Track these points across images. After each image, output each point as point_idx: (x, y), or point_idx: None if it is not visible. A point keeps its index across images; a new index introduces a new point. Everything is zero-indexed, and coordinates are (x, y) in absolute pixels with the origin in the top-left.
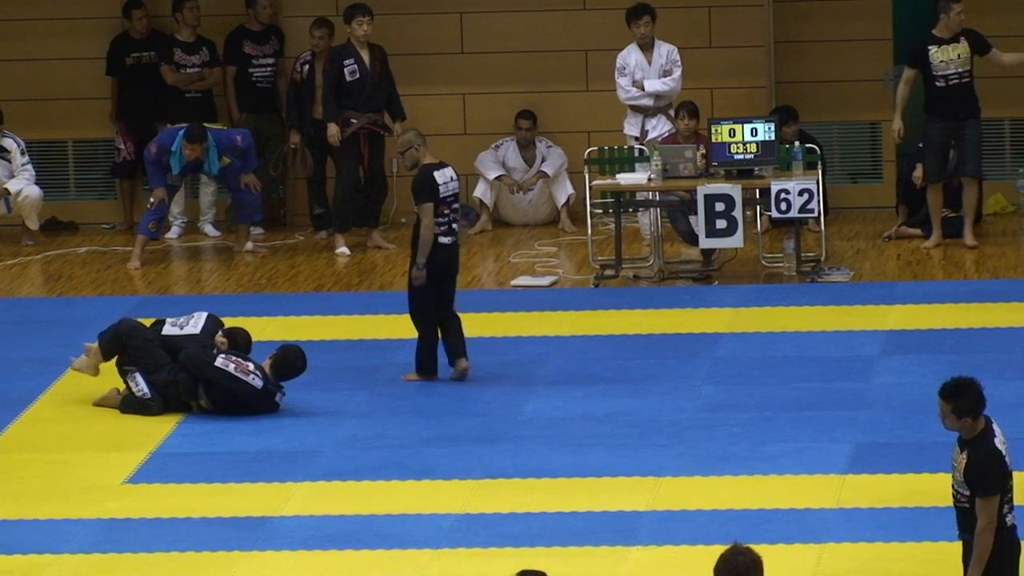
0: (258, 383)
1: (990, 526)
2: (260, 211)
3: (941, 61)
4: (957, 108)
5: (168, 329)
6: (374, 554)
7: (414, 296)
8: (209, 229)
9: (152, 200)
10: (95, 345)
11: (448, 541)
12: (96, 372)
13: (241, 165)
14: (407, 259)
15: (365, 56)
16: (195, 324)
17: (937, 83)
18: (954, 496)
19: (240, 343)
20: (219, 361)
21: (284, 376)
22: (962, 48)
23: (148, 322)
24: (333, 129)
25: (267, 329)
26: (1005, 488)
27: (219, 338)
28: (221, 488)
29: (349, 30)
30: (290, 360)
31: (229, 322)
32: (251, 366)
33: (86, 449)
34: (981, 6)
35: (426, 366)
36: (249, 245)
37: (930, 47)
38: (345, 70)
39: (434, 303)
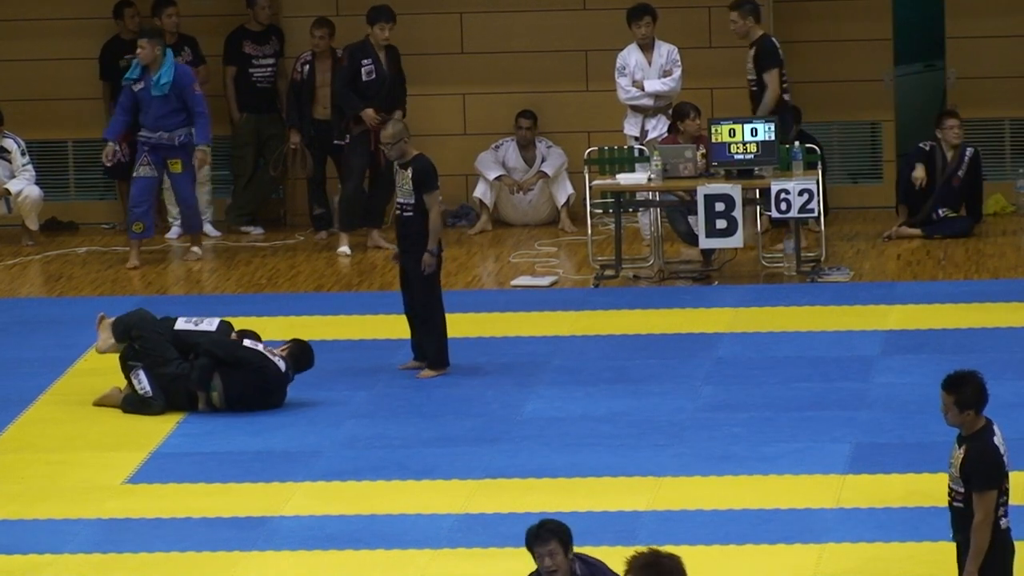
0: (282, 365)
1: (986, 520)
2: (198, 223)
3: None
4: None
5: (182, 324)
6: (374, 554)
7: (433, 285)
8: (208, 229)
9: (105, 156)
10: (108, 321)
11: (448, 541)
12: (118, 347)
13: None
14: (406, 259)
15: (382, 57)
16: (210, 323)
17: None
18: (949, 495)
19: None
20: (247, 342)
21: (300, 365)
22: (751, 57)
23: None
24: (370, 113)
25: (267, 329)
26: (1001, 486)
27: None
28: (221, 488)
29: (370, 32)
30: (306, 351)
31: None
32: (275, 350)
33: (86, 449)
34: (981, 6)
35: (445, 359)
36: (195, 251)
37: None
38: (362, 69)
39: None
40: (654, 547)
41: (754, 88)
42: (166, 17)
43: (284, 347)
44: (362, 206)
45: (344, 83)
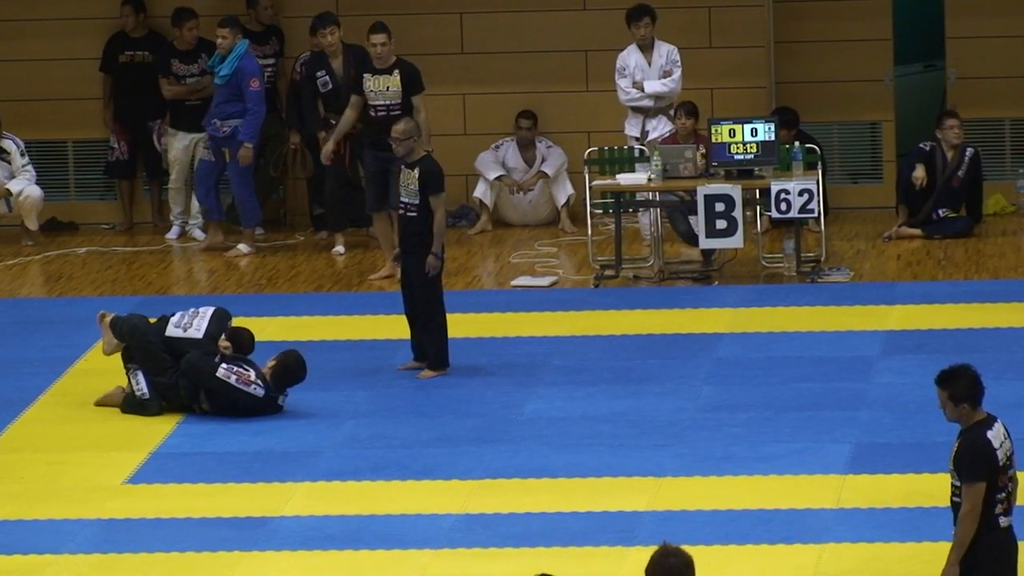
0: (259, 392)
1: (972, 512)
2: (249, 217)
3: (371, 91)
4: (387, 140)
5: (172, 331)
6: (374, 554)
7: (434, 287)
8: (197, 233)
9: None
10: (109, 319)
11: (448, 541)
12: (121, 346)
13: (244, 129)
14: (407, 260)
15: (336, 64)
16: (198, 326)
17: (370, 112)
18: (951, 491)
19: (244, 345)
20: (220, 372)
21: (284, 383)
22: (393, 81)
23: (152, 320)
24: (327, 151)
25: (267, 329)
26: (993, 480)
27: (222, 342)
28: (221, 488)
29: (314, 43)
30: (291, 369)
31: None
32: (252, 375)
33: (86, 449)
34: (981, 6)
35: (445, 359)
36: (243, 248)
37: (365, 75)
38: (317, 82)
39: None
40: (667, 544)
41: (396, 112)
42: (186, 31)
43: (272, 361)
44: (350, 205)
45: (306, 99)
